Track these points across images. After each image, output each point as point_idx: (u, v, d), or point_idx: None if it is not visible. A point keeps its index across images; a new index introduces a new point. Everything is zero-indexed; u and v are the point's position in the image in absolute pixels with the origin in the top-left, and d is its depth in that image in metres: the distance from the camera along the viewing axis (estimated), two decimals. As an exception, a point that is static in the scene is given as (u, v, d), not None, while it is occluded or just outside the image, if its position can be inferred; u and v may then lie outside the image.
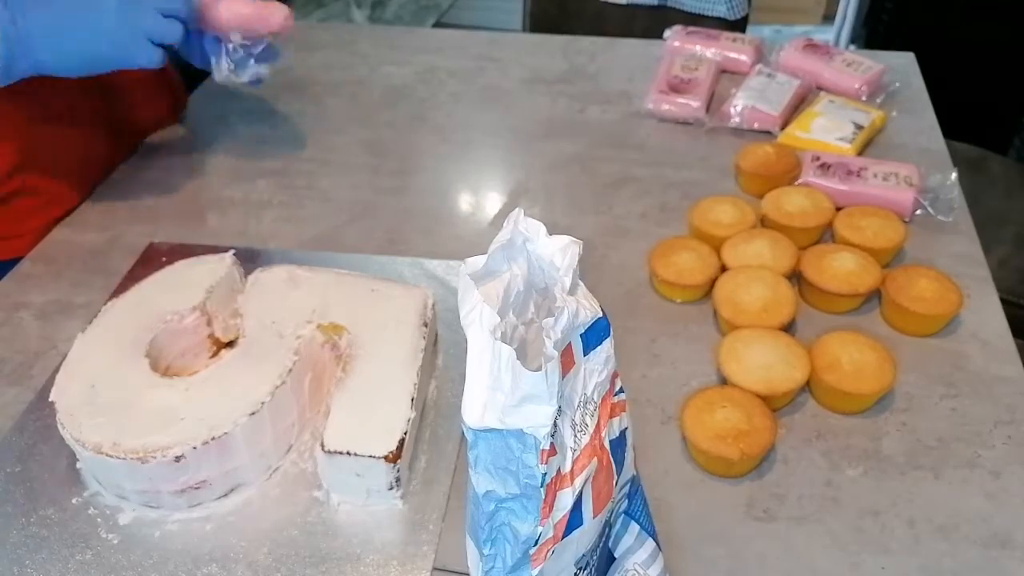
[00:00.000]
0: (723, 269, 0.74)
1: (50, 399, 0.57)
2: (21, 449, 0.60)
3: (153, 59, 0.71)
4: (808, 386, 0.65)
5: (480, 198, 0.89)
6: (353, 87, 1.09)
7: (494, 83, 1.09)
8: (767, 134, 0.94)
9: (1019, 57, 1.71)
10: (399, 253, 0.80)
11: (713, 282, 0.72)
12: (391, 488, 0.55)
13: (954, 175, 0.83)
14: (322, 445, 0.54)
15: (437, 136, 0.99)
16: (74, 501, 0.57)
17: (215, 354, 0.65)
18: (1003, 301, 0.73)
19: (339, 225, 0.85)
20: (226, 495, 0.57)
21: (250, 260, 0.75)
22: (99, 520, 0.56)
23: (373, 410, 0.54)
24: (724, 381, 0.64)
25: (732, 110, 0.95)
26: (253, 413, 0.55)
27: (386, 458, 0.53)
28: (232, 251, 0.70)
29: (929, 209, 0.81)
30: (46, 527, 0.55)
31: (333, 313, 0.63)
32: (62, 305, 0.76)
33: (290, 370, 0.58)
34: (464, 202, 0.89)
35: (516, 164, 0.94)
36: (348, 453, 0.53)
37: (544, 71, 1.11)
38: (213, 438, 0.54)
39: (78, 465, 0.58)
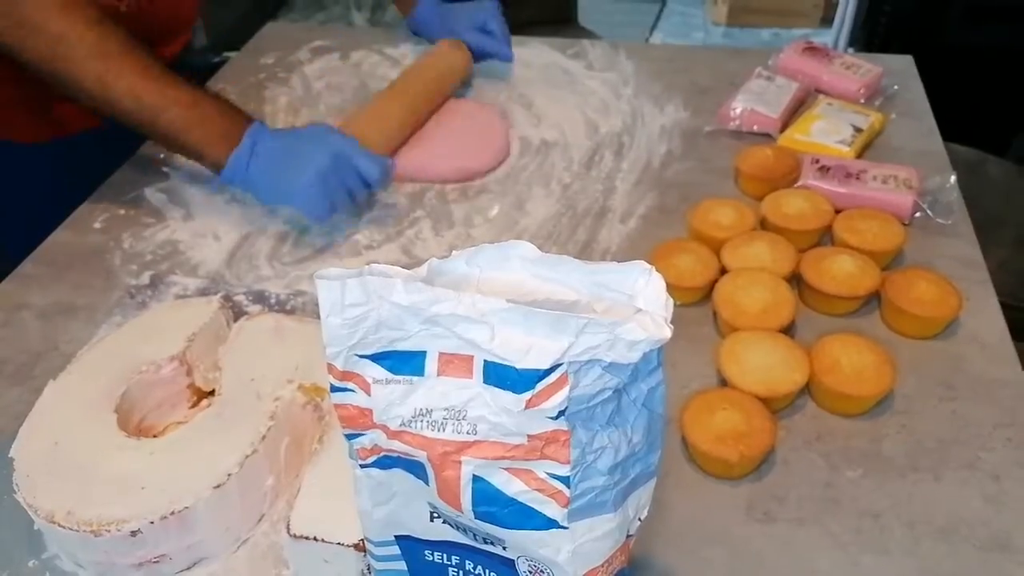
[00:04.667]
0: (722, 271, 0.74)
1: (10, 455, 0.54)
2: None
3: (323, 218, 0.80)
4: (808, 388, 0.65)
5: (477, 202, 0.89)
6: (353, 90, 1.09)
7: (492, 84, 1.09)
8: (766, 137, 0.94)
9: (1018, 60, 1.72)
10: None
11: (713, 284, 0.72)
12: None
13: (953, 178, 0.83)
14: (288, 528, 0.51)
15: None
16: (30, 564, 0.55)
17: (195, 404, 0.64)
18: (1002, 304, 0.73)
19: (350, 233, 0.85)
20: (188, 569, 0.54)
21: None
22: None
23: (347, 491, 0.46)
24: (724, 383, 0.64)
25: (731, 112, 0.95)
26: (218, 486, 0.52)
27: (356, 546, 0.49)
28: (221, 294, 0.69)
29: (928, 212, 0.81)
30: None
31: (318, 370, 0.58)
32: (63, 306, 0.76)
33: (264, 437, 0.55)
34: (461, 206, 0.89)
35: (515, 166, 0.94)
36: (315, 539, 0.50)
37: (546, 70, 1.11)
38: (173, 512, 0.51)
39: (36, 526, 0.55)
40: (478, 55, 1.06)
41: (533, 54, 1.15)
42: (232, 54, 1.22)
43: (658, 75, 1.09)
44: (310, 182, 0.77)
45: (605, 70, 1.11)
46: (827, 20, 2.80)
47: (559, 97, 1.05)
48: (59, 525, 0.51)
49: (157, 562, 0.53)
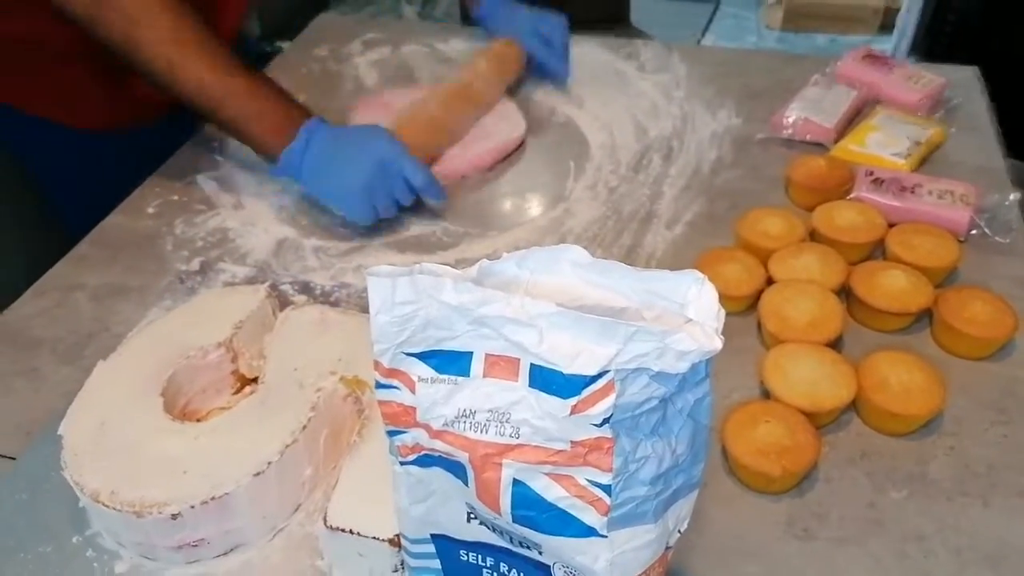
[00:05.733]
0: (769, 282, 0.73)
1: (59, 432, 0.56)
2: (33, 475, 0.59)
3: (366, 223, 0.82)
4: (854, 405, 0.63)
5: (523, 202, 0.89)
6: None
7: (541, 83, 1.09)
8: (820, 146, 0.93)
9: (1086, 74, 1.66)
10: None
11: (759, 294, 0.71)
12: (395, 571, 0.52)
13: (1013, 195, 0.81)
14: (325, 519, 0.51)
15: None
16: (74, 540, 0.56)
17: (239, 390, 0.65)
18: (1061, 327, 0.70)
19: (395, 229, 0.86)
20: (225, 554, 0.55)
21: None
22: (95, 565, 0.55)
23: (384, 485, 0.47)
24: (767, 395, 0.63)
25: (785, 120, 0.94)
26: (258, 473, 0.53)
27: (391, 541, 0.50)
28: (267, 283, 0.70)
29: (986, 229, 0.79)
30: (42, 566, 0.54)
31: (360, 363, 0.60)
32: (116, 288, 0.77)
33: (304, 427, 0.56)
34: (506, 206, 0.89)
35: (561, 170, 0.94)
36: (351, 532, 0.50)
37: (598, 70, 1.10)
38: (213, 498, 0.52)
39: (81, 503, 0.55)
40: (534, 65, 1.05)
41: (585, 53, 1.14)
42: (285, 44, 1.24)
43: (711, 79, 1.07)
44: (356, 188, 0.78)
45: (657, 72, 1.10)
46: (886, 27, 2.74)
47: (609, 98, 1.05)
48: (103, 504, 0.52)
49: (196, 546, 0.54)
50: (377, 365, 0.40)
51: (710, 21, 3.08)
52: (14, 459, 0.62)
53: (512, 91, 1.04)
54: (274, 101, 0.79)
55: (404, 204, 0.81)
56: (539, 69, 1.05)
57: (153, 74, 0.76)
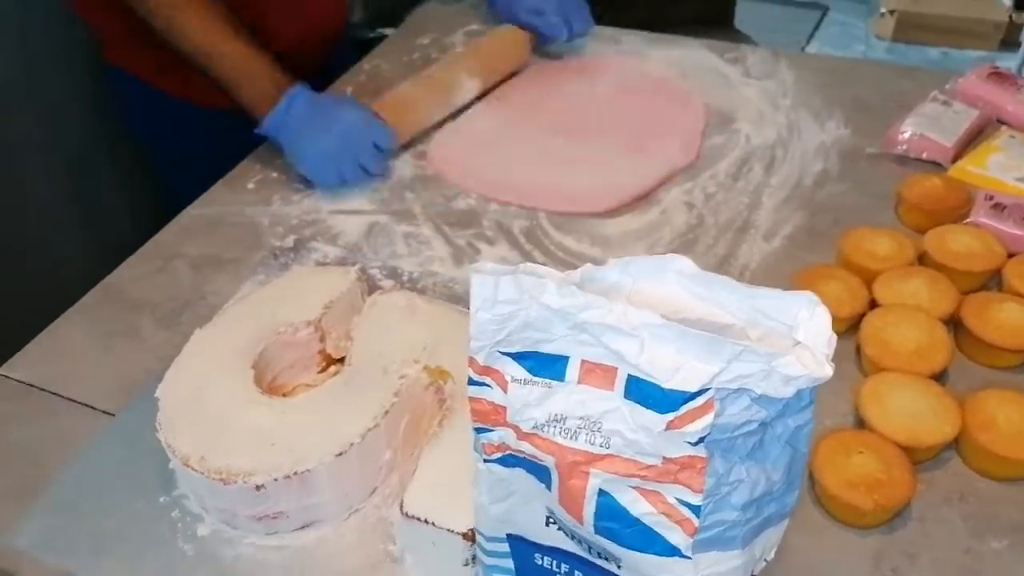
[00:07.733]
0: (872, 305, 0.69)
1: (156, 395, 0.58)
2: (130, 433, 0.62)
3: (330, 187, 0.87)
4: (955, 443, 0.60)
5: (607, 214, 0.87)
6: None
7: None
8: (936, 165, 0.88)
9: None
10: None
11: (860, 317, 0.68)
12: (466, 565, 0.51)
13: None
14: (401, 506, 0.52)
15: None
16: (162, 499, 0.58)
17: (324, 369, 0.66)
18: None
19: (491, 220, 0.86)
20: (302, 528, 0.56)
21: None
22: (179, 526, 0.57)
23: (462, 478, 0.47)
24: (862, 424, 0.60)
25: (900, 136, 0.89)
26: (341, 453, 0.54)
27: (464, 535, 0.50)
28: (357, 265, 0.71)
29: (1116, 267, 0.73)
30: (132, 523, 0.57)
31: (444, 353, 0.60)
32: (213, 259, 0.80)
33: (387, 412, 0.56)
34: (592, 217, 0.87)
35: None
36: (426, 521, 0.51)
37: (702, 73, 1.08)
38: (296, 472, 0.53)
39: (171, 465, 0.58)
40: (541, 38, 1.08)
41: (689, 55, 1.11)
42: (388, 31, 1.25)
43: (819, 88, 1.03)
44: (321, 153, 0.84)
45: (763, 78, 1.06)
46: (1008, 43, 2.59)
47: (712, 101, 1.02)
48: (192, 469, 0.54)
49: (275, 518, 0.55)
50: (472, 361, 0.39)
51: (816, 28, 2.98)
52: (114, 415, 0.64)
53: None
54: (262, 67, 0.84)
55: (371, 170, 0.86)
56: (543, 38, 1.08)
57: (156, 31, 0.84)
